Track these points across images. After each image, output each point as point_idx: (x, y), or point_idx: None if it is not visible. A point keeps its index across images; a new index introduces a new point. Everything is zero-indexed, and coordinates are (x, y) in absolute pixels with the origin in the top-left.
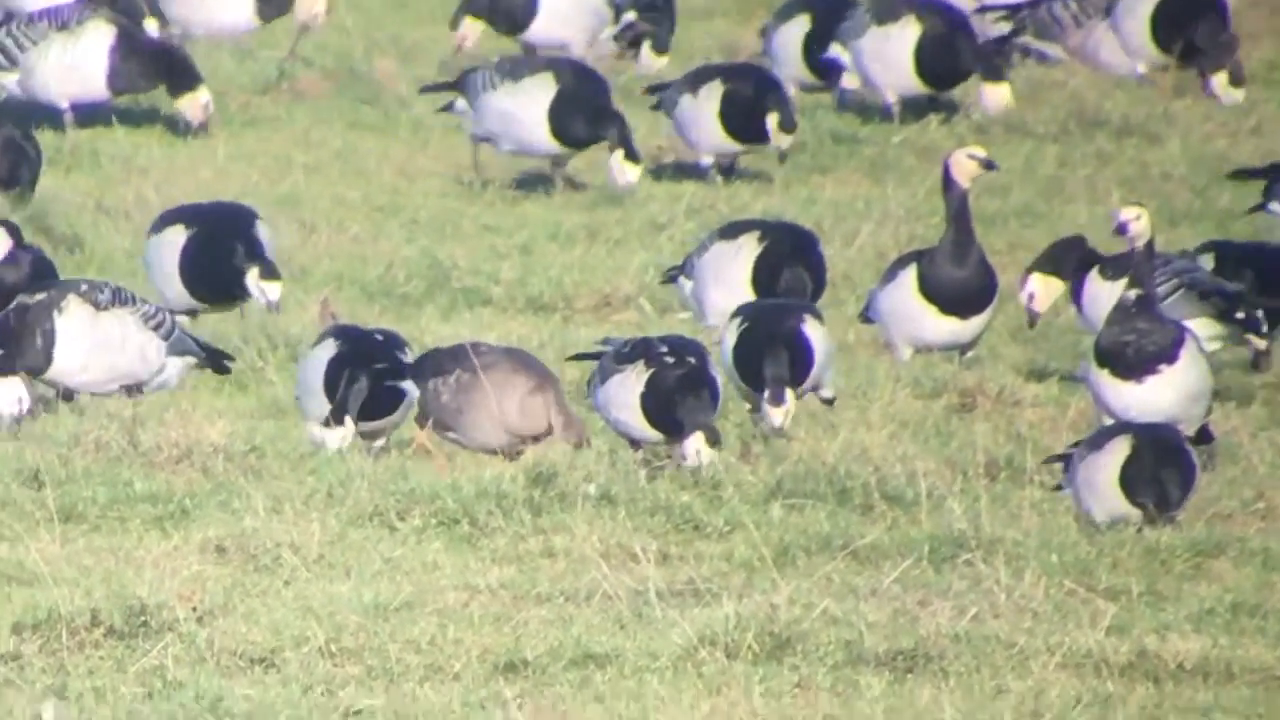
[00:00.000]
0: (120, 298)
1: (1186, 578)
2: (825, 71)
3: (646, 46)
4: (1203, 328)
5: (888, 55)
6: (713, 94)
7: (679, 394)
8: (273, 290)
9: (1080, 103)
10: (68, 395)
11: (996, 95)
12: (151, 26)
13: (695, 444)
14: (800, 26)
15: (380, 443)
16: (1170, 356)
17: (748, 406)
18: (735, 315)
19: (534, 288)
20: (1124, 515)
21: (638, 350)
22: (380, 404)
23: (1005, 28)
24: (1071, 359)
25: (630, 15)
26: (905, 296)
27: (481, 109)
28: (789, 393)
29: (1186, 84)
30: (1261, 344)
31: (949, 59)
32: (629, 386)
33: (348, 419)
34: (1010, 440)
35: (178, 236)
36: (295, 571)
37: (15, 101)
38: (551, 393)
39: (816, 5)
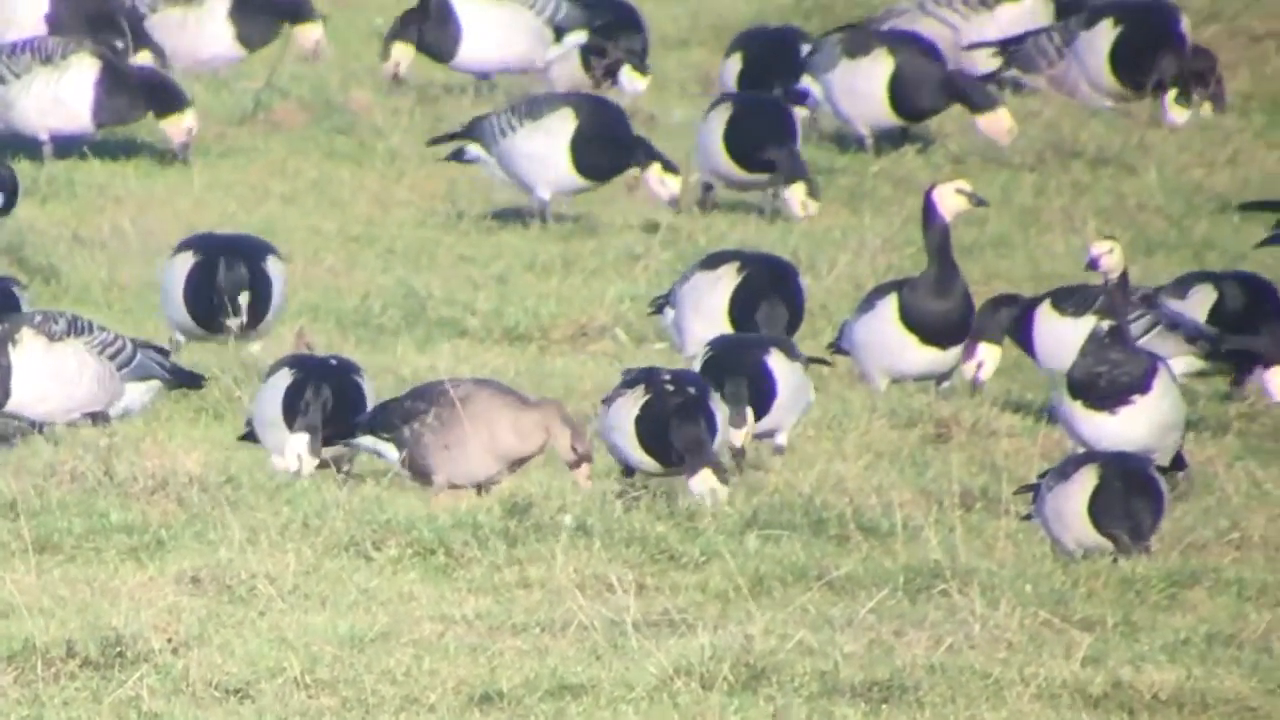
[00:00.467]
0: (76, 327)
1: (1161, 608)
2: (756, 162)
3: (627, 69)
4: (1182, 365)
5: (860, 88)
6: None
7: (673, 420)
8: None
9: (1056, 133)
10: (40, 426)
11: (994, 122)
12: (145, 59)
13: (706, 482)
14: (721, 117)
15: (346, 468)
16: (1143, 387)
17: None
18: (706, 346)
19: (510, 318)
20: (1094, 545)
21: (640, 376)
22: (336, 430)
23: (995, 64)
24: (1046, 390)
25: (578, 36)
26: (885, 326)
27: (504, 154)
28: (749, 413)
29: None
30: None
31: (922, 92)
32: (626, 410)
33: (308, 433)
34: (985, 470)
35: (186, 262)
36: (270, 602)
37: None
38: (542, 407)
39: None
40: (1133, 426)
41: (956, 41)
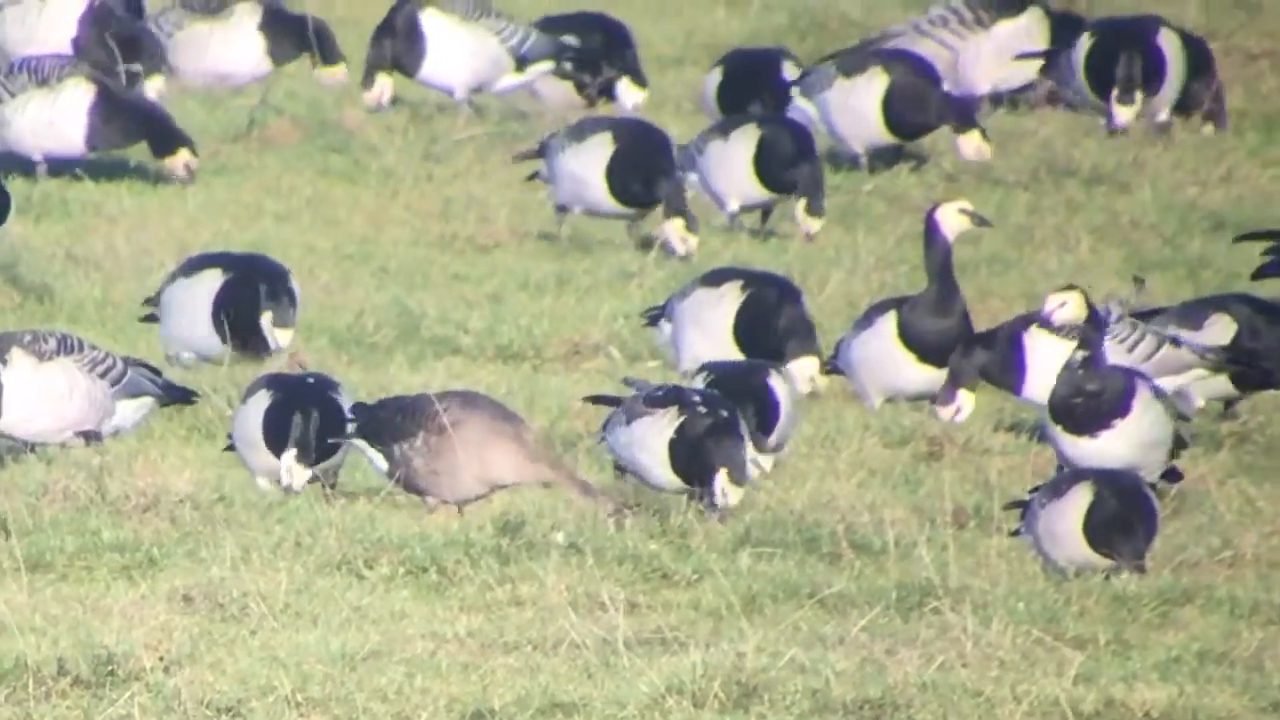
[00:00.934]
0: (66, 346)
1: (1153, 626)
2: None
3: (626, 82)
4: (1189, 382)
5: (855, 108)
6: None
7: (709, 442)
8: (284, 337)
9: (1050, 151)
10: (32, 445)
11: (969, 143)
12: (157, 83)
13: (720, 483)
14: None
15: (333, 481)
16: (1122, 409)
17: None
18: (704, 370)
19: (503, 336)
20: (1086, 562)
21: (670, 396)
22: (321, 447)
23: (993, 81)
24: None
25: (543, 67)
26: (883, 344)
27: (554, 173)
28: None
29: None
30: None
31: (917, 111)
32: (658, 431)
33: (298, 448)
34: (978, 488)
35: (213, 281)
36: (262, 621)
37: None
38: (529, 434)
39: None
40: (1115, 447)
41: (954, 62)
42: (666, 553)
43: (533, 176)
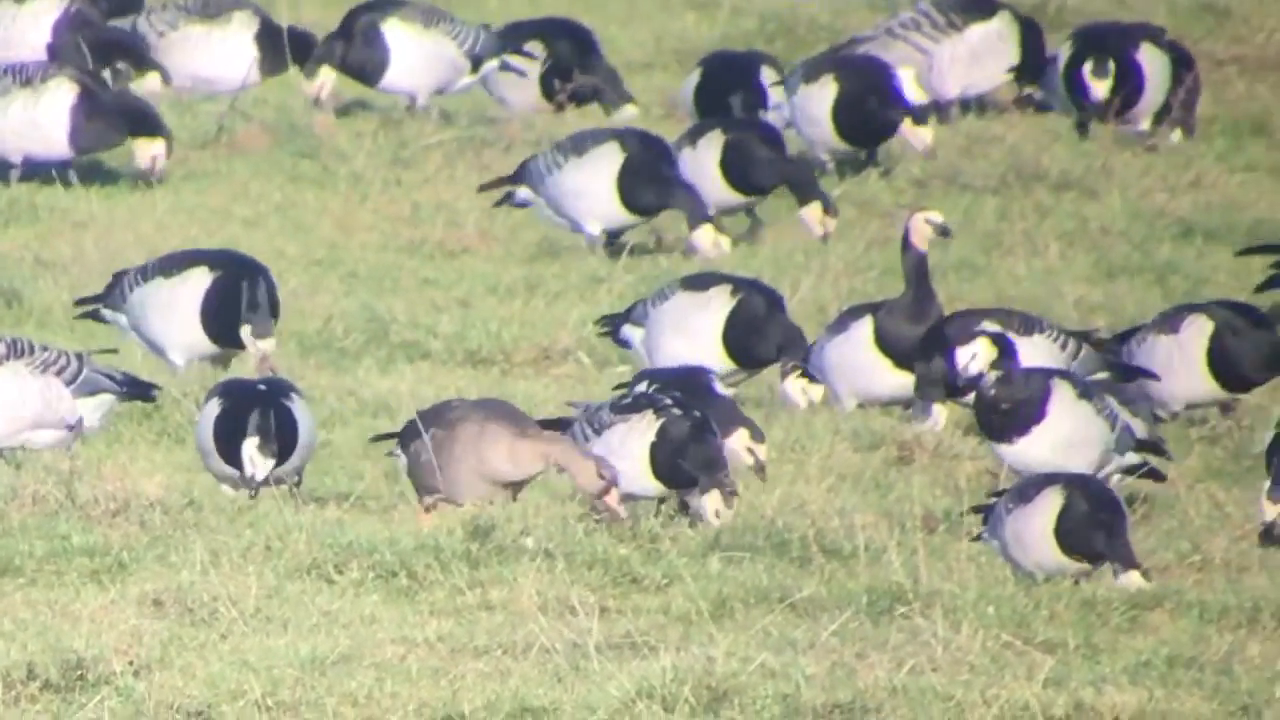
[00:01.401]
0: (17, 349)
1: (1123, 630)
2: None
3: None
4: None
5: (811, 113)
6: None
7: (690, 444)
8: (267, 346)
9: (1019, 156)
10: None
11: (919, 136)
12: (154, 79)
13: (712, 503)
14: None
15: (295, 482)
16: (1038, 415)
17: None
18: (643, 378)
19: (473, 341)
20: (1055, 568)
21: (642, 402)
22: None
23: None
24: None
25: (493, 64)
26: (858, 349)
27: (551, 192)
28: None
29: (1126, 138)
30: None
31: (865, 118)
32: (637, 437)
33: (260, 436)
34: (948, 493)
35: (201, 279)
36: (232, 625)
37: None
38: (551, 440)
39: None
40: (1036, 452)
41: (928, 64)
42: (636, 557)
43: (501, 202)
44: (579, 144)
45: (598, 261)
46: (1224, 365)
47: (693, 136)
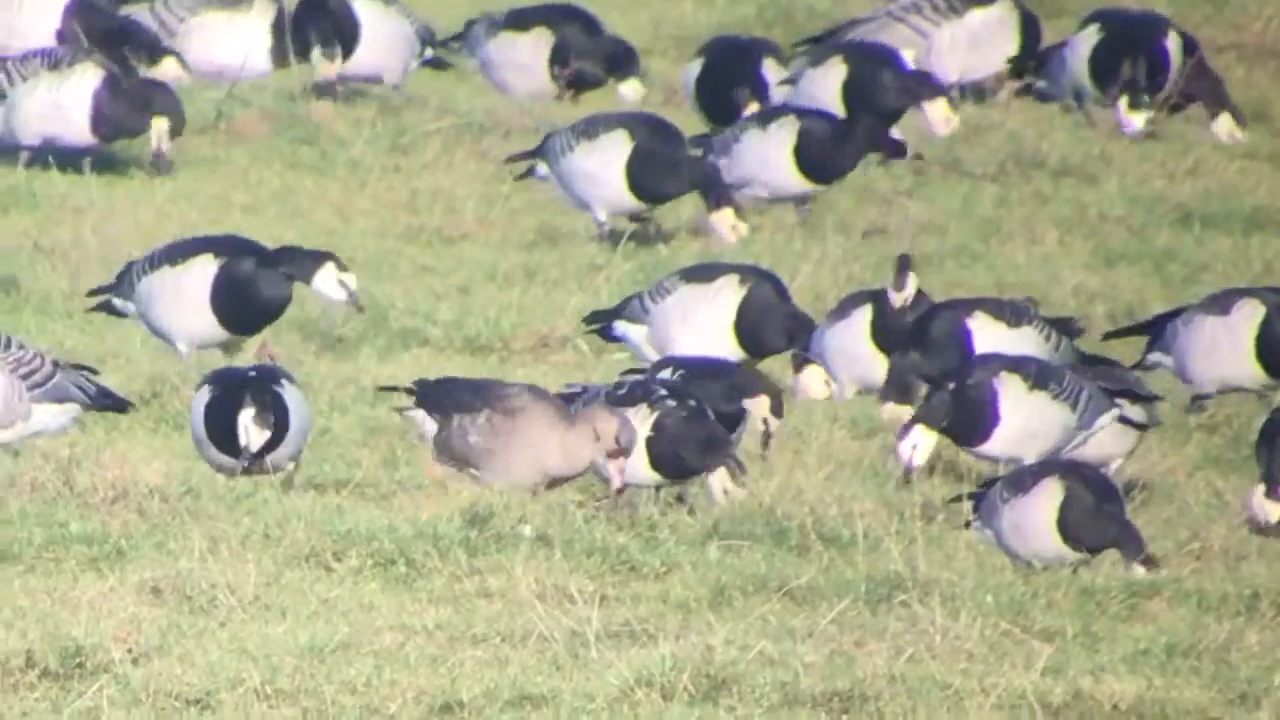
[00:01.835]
0: None
1: (1121, 619)
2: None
3: (630, 81)
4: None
5: (817, 96)
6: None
7: (687, 435)
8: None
9: (1018, 143)
10: None
11: (934, 109)
12: (172, 64)
13: (720, 482)
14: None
15: (291, 468)
16: (992, 419)
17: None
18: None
19: (471, 328)
20: (1054, 557)
21: (636, 393)
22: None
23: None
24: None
25: (428, 52)
26: (857, 336)
27: (563, 173)
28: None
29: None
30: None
31: (875, 96)
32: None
33: (256, 406)
34: (947, 481)
35: (208, 266)
36: (231, 613)
37: None
38: (585, 415)
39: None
40: (1001, 449)
41: (927, 48)
42: (635, 545)
43: (524, 175)
44: (591, 128)
45: (596, 249)
46: (1272, 352)
47: (763, 121)
